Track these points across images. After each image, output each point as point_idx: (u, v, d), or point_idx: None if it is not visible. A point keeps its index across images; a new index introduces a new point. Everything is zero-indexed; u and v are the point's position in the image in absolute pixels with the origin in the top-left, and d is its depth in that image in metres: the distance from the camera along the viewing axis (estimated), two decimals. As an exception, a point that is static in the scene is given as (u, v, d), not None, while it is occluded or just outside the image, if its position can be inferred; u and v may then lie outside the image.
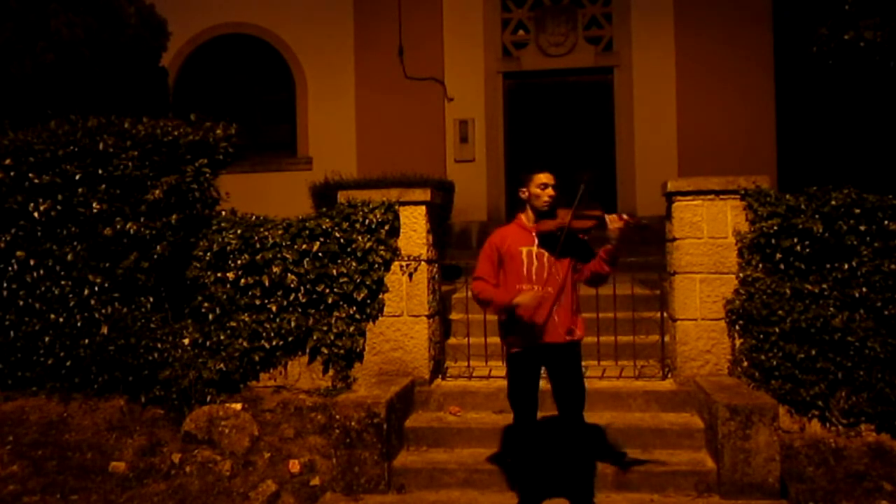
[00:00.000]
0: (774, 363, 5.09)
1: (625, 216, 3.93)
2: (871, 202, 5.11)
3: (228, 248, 5.71)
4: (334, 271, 5.60)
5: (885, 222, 5.08)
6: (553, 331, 3.96)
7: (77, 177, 5.65)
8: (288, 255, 5.64)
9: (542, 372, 4.12)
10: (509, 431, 4.74)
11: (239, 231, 5.73)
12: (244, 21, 11.37)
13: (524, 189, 4.09)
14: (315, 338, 5.62)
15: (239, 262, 5.68)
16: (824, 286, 5.10)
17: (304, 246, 5.64)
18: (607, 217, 3.89)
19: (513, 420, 4.24)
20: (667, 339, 5.60)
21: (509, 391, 4.18)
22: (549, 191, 4.00)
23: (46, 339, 5.70)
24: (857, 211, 5.08)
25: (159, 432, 5.32)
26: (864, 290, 5.05)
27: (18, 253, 5.75)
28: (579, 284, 4.14)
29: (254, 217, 5.91)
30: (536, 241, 4.01)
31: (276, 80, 11.48)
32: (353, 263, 5.58)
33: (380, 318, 5.62)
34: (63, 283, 5.72)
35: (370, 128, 10.99)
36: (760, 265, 5.22)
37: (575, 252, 4.02)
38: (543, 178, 4.02)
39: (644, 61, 10.51)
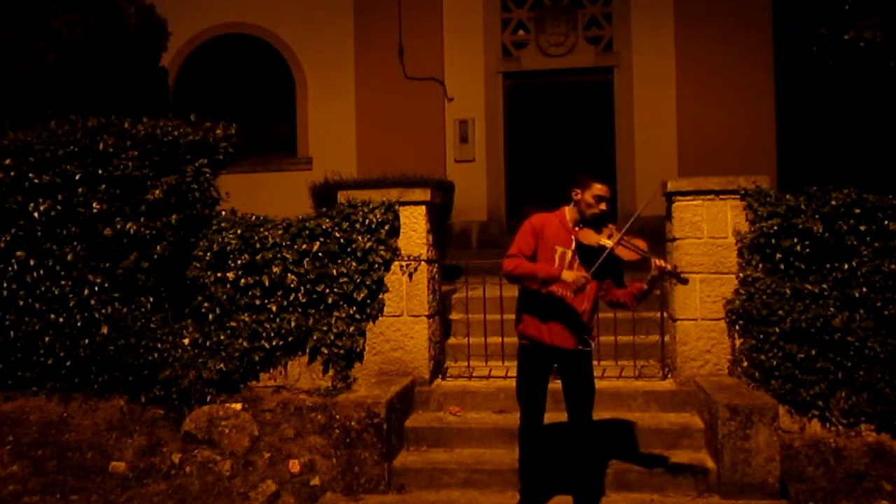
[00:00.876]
0: (774, 363, 5.09)
1: (668, 267, 3.84)
2: (871, 202, 5.11)
3: (228, 248, 5.71)
4: (334, 271, 5.60)
5: (885, 222, 5.08)
6: (567, 337, 3.96)
7: (77, 177, 5.64)
8: (288, 255, 5.64)
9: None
10: (512, 432, 4.73)
11: (239, 231, 5.73)
12: (244, 21, 11.37)
13: (577, 191, 3.98)
14: (315, 338, 5.62)
15: (239, 262, 5.69)
16: (824, 286, 5.11)
17: (304, 246, 5.64)
18: (654, 260, 3.82)
19: (519, 416, 4.22)
20: (667, 339, 5.60)
21: (517, 385, 4.18)
22: (603, 205, 3.94)
23: (46, 339, 5.70)
24: (857, 211, 5.08)
25: (159, 432, 5.32)
26: (864, 290, 5.05)
27: (18, 253, 5.75)
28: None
29: (254, 217, 5.91)
30: (573, 246, 3.96)
31: (276, 80, 11.47)
32: (353, 263, 5.58)
33: (380, 318, 5.62)
34: (63, 283, 5.72)
35: (370, 128, 10.98)
36: (760, 265, 5.22)
37: (608, 273, 4.00)
38: (601, 190, 3.92)
39: (644, 61, 10.50)
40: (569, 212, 4.06)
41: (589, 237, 3.90)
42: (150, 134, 5.66)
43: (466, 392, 5.43)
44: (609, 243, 3.86)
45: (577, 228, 4.00)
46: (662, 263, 3.83)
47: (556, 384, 4.15)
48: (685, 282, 4.07)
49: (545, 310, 3.97)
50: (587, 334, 4.03)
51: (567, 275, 3.82)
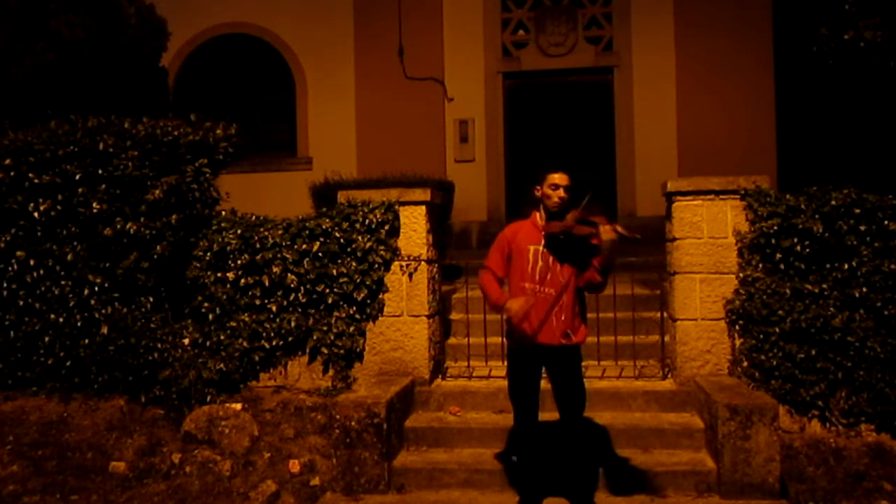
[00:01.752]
0: (774, 363, 5.09)
1: (618, 227, 3.84)
2: (871, 202, 5.11)
3: (228, 248, 5.71)
4: (334, 271, 5.60)
5: (885, 222, 5.08)
6: (549, 332, 3.96)
7: (77, 177, 5.64)
8: (288, 255, 5.64)
9: (543, 372, 4.13)
10: (510, 431, 4.74)
11: (239, 231, 5.73)
12: (244, 21, 11.37)
13: (539, 187, 4.07)
14: (315, 338, 5.62)
15: (239, 262, 5.69)
16: (824, 286, 5.10)
17: (304, 246, 5.64)
18: (601, 227, 3.83)
19: (513, 418, 4.25)
20: (667, 339, 5.60)
21: (509, 388, 4.20)
22: (560, 192, 3.98)
23: (46, 339, 5.70)
24: (857, 211, 5.08)
25: (159, 432, 5.32)
26: (864, 290, 5.05)
27: (18, 253, 5.75)
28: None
29: (254, 217, 5.91)
30: (544, 242, 4.01)
31: (276, 80, 11.48)
32: (353, 263, 5.58)
33: (380, 318, 5.62)
34: (63, 283, 5.72)
35: (370, 128, 10.99)
36: (760, 265, 5.22)
37: (580, 257, 3.99)
38: (556, 178, 4.00)
39: (644, 61, 10.51)
40: (538, 213, 4.12)
41: (553, 226, 3.97)
42: (150, 134, 5.66)
43: (466, 392, 5.43)
44: (569, 225, 3.90)
45: (545, 225, 4.04)
46: (611, 227, 3.80)
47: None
48: (636, 238, 3.91)
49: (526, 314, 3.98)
50: (570, 328, 4.00)
51: (512, 304, 3.87)
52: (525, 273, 4.01)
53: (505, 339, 4.24)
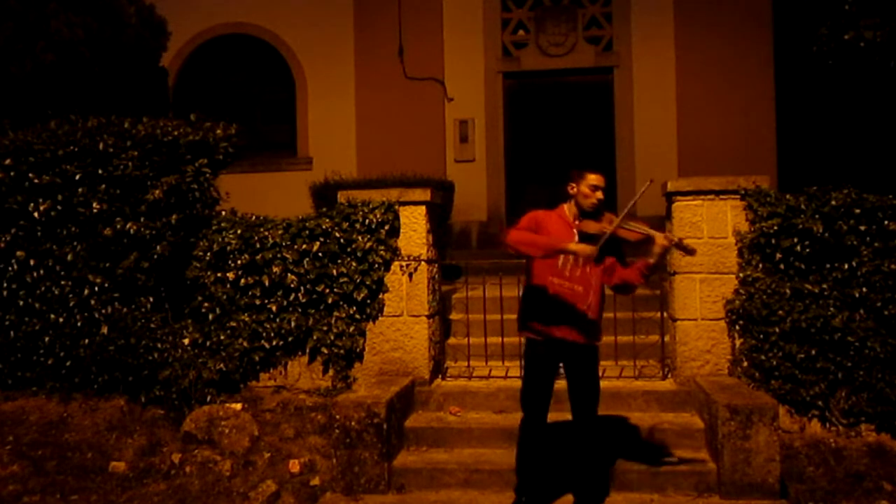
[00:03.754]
0: (774, 363, 5.09)
1: (673, 237, 3.93)
2: (871, 202, 5.11)
3: (228, 248, 5.71)
4: (334, 271, 5.60)
5: (885, 222, 5.08)
6: (574, 333, 3.98)
7: (77, 177, 5.64)
8: (288, 255, 5.64)
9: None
10: (512, 432, 4.72)
11: (239, 231, 5.74)
12: (244, 21, 11.37)
13: (573, 185, 4.05)
14: (315, 338, 5.62)
15: (239, 262, 5.69)
16: (824, 286, 5.10)
17: (304, 246, 5.64)
18: (656, 235, 3.87)
19: (522, 416, 4.19)
20: (667, 339, 5.60)
21: (523, 383, 4.17)
22: (599, 193, 4.00)
23: (46, 339, 5.70)
24: (857, 211, 5.08)
25: (159, 432, 5.32)
26: (864, 290, 5.05)
27: (18, 253, 5.75)
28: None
29: (254, 217, 5.91)
30: (577, 239, 3.97)
31: (276, 80, 11.47)
32: (353, 263, 5.58)
33: (380, 318, 5.62)
34: (63, 283, 5.71)
35: (370, 128, 10.99)
36: (760, 265, 5.22)
37: (611, 256, 4.01)
38: (596, 179, 4.02)
39: (644, 61, 10.50)
40: (567, 208, 4.10)
41: (591, 227, 3.98)
42: (150, 134, 5.66)
43: (466, 392, 5.43)
44: (610, 228, 3.92)
45: (577, 222, 4.03)
46: (668, 236, 3.89)
47: (557, 384, 4.15)
48: (692, 252, 4.01)
49: (551, 308, 3.98)
50: (595, 329, 4.03)
51: (578, 246, 3.83)
52: (555, 268, 3.98)
53: (521, 334, 4.18)
